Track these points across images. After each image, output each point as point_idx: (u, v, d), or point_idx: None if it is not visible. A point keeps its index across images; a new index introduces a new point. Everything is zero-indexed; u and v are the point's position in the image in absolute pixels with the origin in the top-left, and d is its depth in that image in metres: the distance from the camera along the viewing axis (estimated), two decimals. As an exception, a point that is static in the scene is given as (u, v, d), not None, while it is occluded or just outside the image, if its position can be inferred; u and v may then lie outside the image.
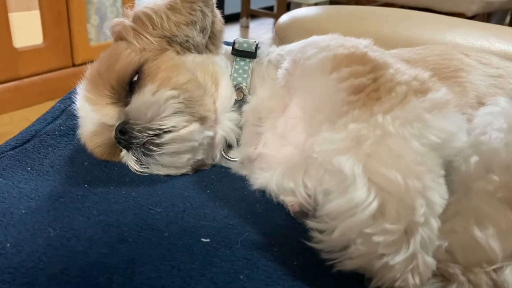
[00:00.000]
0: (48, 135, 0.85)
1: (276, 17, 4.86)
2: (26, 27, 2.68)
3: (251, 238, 0.61)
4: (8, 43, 2.50)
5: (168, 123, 0.73)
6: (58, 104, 0.97)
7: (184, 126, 0.74)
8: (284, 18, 1.53)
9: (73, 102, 0.95)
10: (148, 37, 0.79)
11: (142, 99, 0.74)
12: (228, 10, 5.02)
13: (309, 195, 0.68)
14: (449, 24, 1.44)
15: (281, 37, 1.48)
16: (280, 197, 0.73)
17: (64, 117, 0.92)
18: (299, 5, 4.99)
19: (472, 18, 2.93)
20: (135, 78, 0.77)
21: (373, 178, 0.55)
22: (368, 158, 0.56)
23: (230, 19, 5.00)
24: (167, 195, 0.70)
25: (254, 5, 5.08)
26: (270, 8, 5.35)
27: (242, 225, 0.64)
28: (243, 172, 0.82)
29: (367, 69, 0.68)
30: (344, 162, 0.57)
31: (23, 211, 0.61)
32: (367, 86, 0.66)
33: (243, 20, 4.97)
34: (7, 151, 0.79)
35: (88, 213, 0.62)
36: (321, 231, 0.56)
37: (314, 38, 0.82)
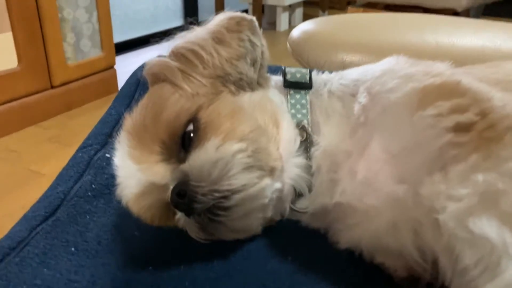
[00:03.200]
0: (81, 198, 0.72)
1: (252, 20, 4.75)
2: (-2, 50, 2.51)
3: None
4: (-19, 69, 2.33)
5: (238, 182, 0.61)
6: (80, 155, 0.84)
7: (256, 183, 0.63)
8: (297, 32, 1.42)
9: (97, 151, 0.83)
10: (199, 78, 0.67)
11: (205, 155, 0.62)
12: (202, 16, 4.89)
13: (424, 260, 0.57)
14: (475, 27, 1.36)
15: (297, 53, 1.38)
16: (377, 259, 0.62)
17: (92, 172, 0.79)
18: (273, 8, 4.92)
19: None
20: (189, 130, 0.65)
21: None
22: None
23: (205, 24, 4.88)
24: (248, 271, 0.58)
25: (228, 9, 4.96)
26: (245, 11, 5.24)
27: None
28: (315, 224, 0.71)
29: (468, 102, 0.58)
30: (486, 227, 0.47)
31: (93, 322, 0.48)
32: (476, 124, 0.56)
33: (219, 25, 4.85)
34: (38, 225, 0.66)
35: (172, 314, 0.50)
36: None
37: (387, 65, 0.72)
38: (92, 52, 3.00)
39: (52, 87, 2.75)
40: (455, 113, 0.57)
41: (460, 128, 0.56)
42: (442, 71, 0.67)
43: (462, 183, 0.51)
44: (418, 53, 0.83)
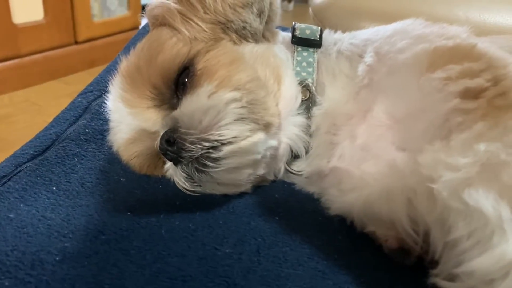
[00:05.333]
0: (72, 140, 0.71)
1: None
2: (26, 1, 2.50)
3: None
4: (7, 19, 2.32)
5: (228, 133, 0.58)
6: (79, 100, 0.82)
7: (247, 137, 0.59)
8: (321, -4, 1.36)
9: (97, 97, 0.80)
10: (199, 23, 0.64)
11: (196, 102, 0.59)
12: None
13: (416, 231, 0.53)
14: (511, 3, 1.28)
15: (319, 18, 1.32)
16: (368, 228, 0.59)
17: (88, 116, 0.77)
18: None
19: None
20: (184, 75, 0.62)
21: None
22: None
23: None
24: (230, 225, 0.56)
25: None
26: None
27: (333, 272, 0.50)
28: (310, 188, 0.68)
29: (482, 67, 0.53)
30: (482, 200, 0.43)
31: (57, 258, 0.46)
32: (486, 90, 0.51)
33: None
34: (25, 163, 0.65)
35: (140, 259, 0.47)
36: (460, 295, 0.42)
37: (400, 25, 0.67)
38: (118, 10, 2.97)
39: (76, 42, 2.74)
40: (465, 77, 0.53)
41: (469, 94, 0.52)
42: (457, 33, 0.62)
43: (463, 152, 0.47)
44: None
